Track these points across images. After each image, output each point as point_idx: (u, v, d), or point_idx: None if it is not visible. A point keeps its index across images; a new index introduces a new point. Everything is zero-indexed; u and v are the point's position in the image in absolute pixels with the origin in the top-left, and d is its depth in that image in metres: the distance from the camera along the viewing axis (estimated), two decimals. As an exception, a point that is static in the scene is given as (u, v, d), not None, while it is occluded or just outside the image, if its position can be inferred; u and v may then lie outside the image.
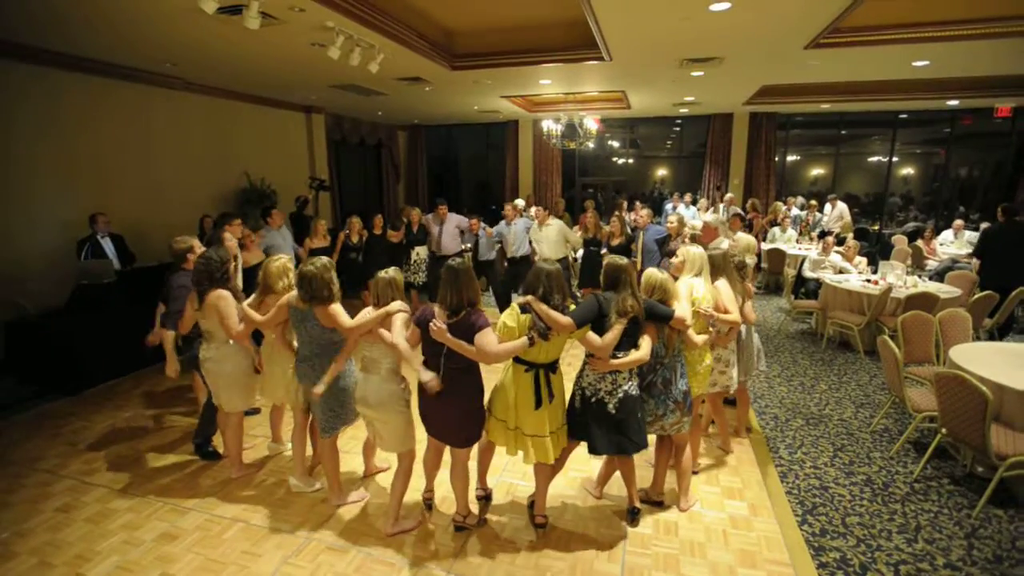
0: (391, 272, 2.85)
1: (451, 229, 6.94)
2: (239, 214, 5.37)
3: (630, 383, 2.73)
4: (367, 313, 2.80)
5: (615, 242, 5.94)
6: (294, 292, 2.99)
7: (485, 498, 3.18)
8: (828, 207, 9.65)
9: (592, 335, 2.62)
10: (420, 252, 7.16)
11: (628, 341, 2.68)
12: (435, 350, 2.65)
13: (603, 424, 2.73)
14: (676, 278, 3.15)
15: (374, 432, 2.95)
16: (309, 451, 3.50)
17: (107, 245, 5.76)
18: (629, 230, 6.00)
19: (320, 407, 2.99)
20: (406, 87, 7.75)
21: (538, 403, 2.63)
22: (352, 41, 5.07)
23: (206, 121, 7.78)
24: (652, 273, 2.91)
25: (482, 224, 7.06)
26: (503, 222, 6.93)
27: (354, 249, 6.62)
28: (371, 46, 5.30)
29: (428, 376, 2.63)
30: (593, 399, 2.72)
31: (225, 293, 3.17)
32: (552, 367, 2.69)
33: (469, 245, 7.08)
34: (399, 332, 2.69)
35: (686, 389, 2.91)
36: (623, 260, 2.78)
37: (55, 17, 4.57)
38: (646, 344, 2.71)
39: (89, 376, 5.06)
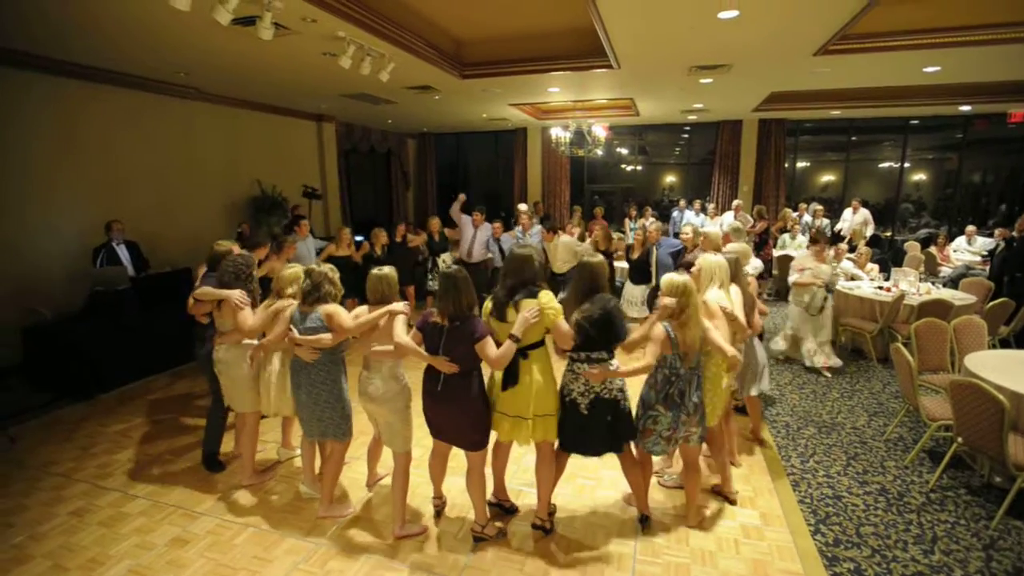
0: (385, 269, 2.89)
1: (483, 238, 7.02)
2: (252, 222, 5.47)
3: (603, 387, 2.72)
4: (364, 311, 2.85)
5: (635, 255, 5.94)
6: (295, 304, 3.07)
7: (498, 506, 3.17)
8: (849, 212, 9.53)
9: (562, 323, 2.62)
10: (446, 259, 7.23)
11: (591, 343, 2.65)
12: (435, 354, 2.70)
13: (572, 423, 2.75)
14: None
15: (377, 426, 3.04)
16: (319, 459, 3.51)
17: (122, 252, 5.85)
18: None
19: (318, 416, 3.00)
20: (416, 96, 7.82)
21: (504, 384, 2.68)
22: (363, 51, 5.14)
23: (219, 130, 7.90)
24: (672, 278, 2.75)
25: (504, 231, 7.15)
26: (519, 229, 7.06)
27: (377, 261, 6.55)
28: (381, 55, 5.37)
29: (439, 360, 2.66)
30: (567, 398, 2.75)
31: (241, 294, 3.25)
32: (523, 352, 2.65)
33: (491, 254, 7.13)
34: (400, 328, 2.72)
35: (698, 401, 2.84)
36: (596, 258, 2.79)
37: (72, 29, 4.67)
38: (649, 353, 2.68)
39: (103, 381, 5.13)
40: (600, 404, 2.72)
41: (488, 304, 2.77)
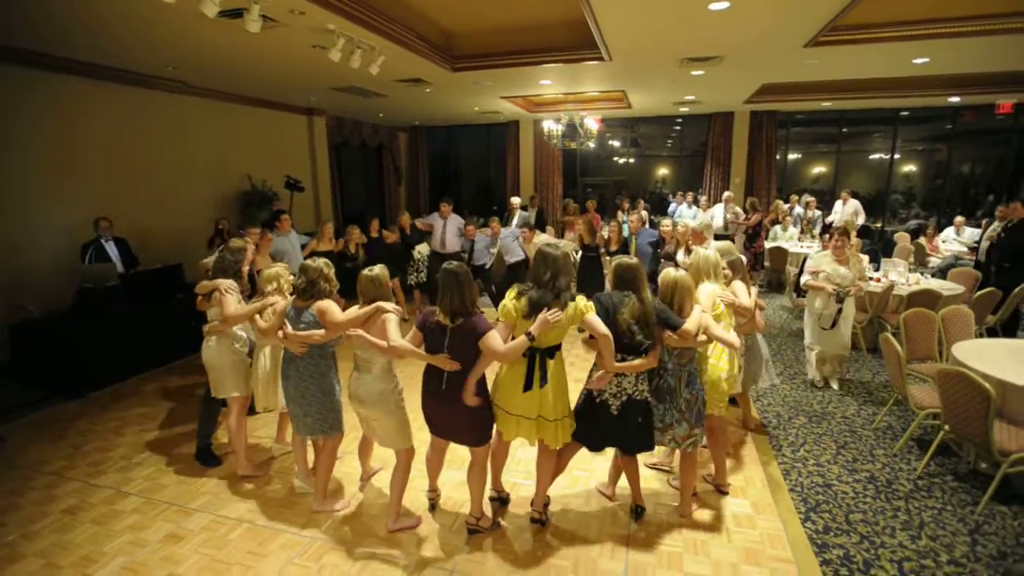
0: (376, 270, 2.87)
1: (453, 228, 7.12)
2: (241, 217, 5.43)
3: (636, 388, 2.73)
4: (356, 310, 2.83)
5: (613, 248, 5.98)
6: (280, 299, 3.10)
7: (499, 500, 3.19)
8: (840, 203, 9.59)
9: (594, 318, 2.60)
10: (421, 250, 7.27)
11: (634, 345, 2.66)
12: (437, 353, 2.67)
13: (602, 424, 2.76)
14: None
15: (370, 429, 3.03)
16: (311, 454, 3.51)
17: (111, 248, 5.78)
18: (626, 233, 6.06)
19: (307, 411, 3.01)
20: (407, 89, 7.77)
21: (527, 386, 2.63)
22: (353, 43, 5.09)
23: (208, 124, 7.81)
24: (668, 273, 2.86)
25: (479, 228, 7.22)
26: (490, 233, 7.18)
27: (350, 259, 6.44)
28: (371, 48, 5.32)
29: (440, 357, 2.63)
30: (598, 399, 2.75)
31: (230, 283, 3.33)
32: (550, 352, 2.67)
33: (464, 250, 7.17)
34: (394, 332, 2.69)
35: (690, 398, 2.83)
36: (633, 260, 2.81)
37: (59, 22, 4.59)
38: (655, 351, 2.70)
39: (94, 378, 5.09)
40: (632, 406, 2.73)
41: (519, 303, 2.61)
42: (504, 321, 2.63)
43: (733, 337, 2.86)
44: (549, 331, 2.57)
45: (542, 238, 6.75)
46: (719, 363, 3.07)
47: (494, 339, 2.55)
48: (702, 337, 2.78)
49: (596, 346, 2.70)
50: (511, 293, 2.69)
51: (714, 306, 3.00)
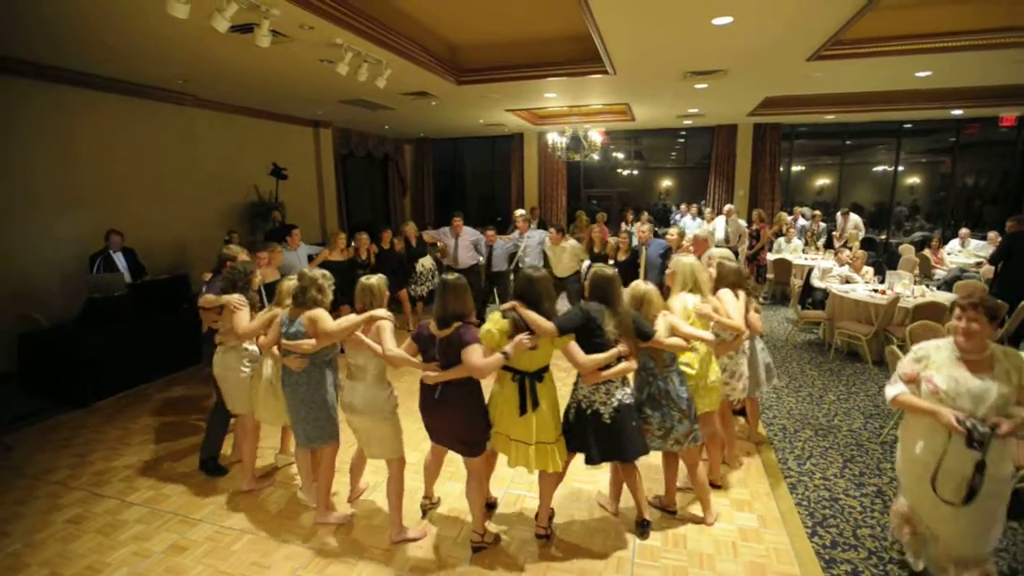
0: (372, 279, 2.89)
1: (466, 243, 7.02)
2: (247, 227, 5.45)
3: (623, 391, 2.77)
4: (349, 319, 2.83)
5: (621, 257, 5.98)
6: (286, 308, 3.08)
7: (488, 506, 3.18)
8: (840, 219, 9.61)
9: (574, 346, 2.64)
10: (425, 263, 7.26)
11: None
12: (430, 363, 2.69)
13: (598, 434, 2.75)
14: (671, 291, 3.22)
15: (363, 441, 3.00)
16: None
17: (119, 259, 5.83)
18: (635, 243, 6.05)
19: (303, 418, 3.02)
20: (413, 101, 7.85)
21: (522, 410, 2.65)
22: (360, 57, 5.16)
23: (216, 136, 7.91)
24: (636, 285, 2.94)
25: (498, 235, 7.19)
26: (516, 233, 7.06)
27: (362, 266, 6.51)
28: (379, 62, 5.39)
29: (430, 366, 2.66)
30: (589, 410, 2.75)
31: (239, 297, 3.32)
32: (538, 375, 2.69)
33: (482, 258, 7.15)
34: (389, 340, 2.71)
35: (688, 396, 2.88)
36: (610, 271, 2.83)
37: (70, 36, 4.69)
38: (634, 356, 2.75)
39: (100, 388, 5.10)
40: (624, 410, 2.74)
41: (503, 323, 2.62)
42: (486, 345, 2.60)
43: (704, 332, 2.91)
44: (533, 355, 2.61)
45: (571, 243, 6.69)
46: (694, 366, 3.04)
47: (474, 352, 2.54)
48: (673, 340, 2.79)
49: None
50: (495, 316, 2.69)
51: (686, 314, 2.99)
